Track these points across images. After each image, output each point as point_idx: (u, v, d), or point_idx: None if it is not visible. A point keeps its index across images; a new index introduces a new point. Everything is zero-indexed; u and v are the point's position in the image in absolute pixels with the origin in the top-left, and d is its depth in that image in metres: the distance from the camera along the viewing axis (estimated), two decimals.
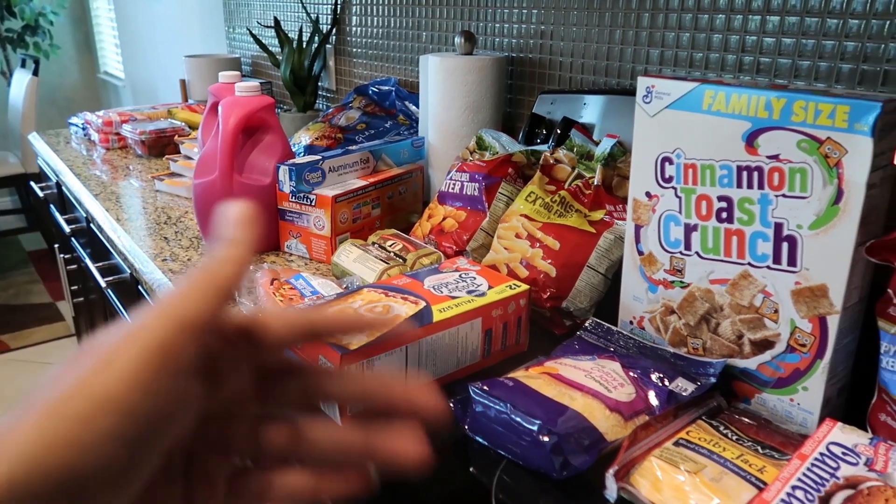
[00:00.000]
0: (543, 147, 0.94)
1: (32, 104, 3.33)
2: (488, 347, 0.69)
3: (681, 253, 0.64)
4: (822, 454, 0.48)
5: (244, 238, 0.26)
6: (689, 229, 0.62)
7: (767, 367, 0.60)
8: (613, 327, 0.69)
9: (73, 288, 1.82)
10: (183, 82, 2.13)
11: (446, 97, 1.08)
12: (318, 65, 1.64)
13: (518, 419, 0.54)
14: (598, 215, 0.78)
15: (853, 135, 0.50)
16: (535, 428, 0.52)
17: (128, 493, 0.21)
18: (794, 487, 0.45)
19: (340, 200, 0.95)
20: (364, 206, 1.00)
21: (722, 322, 0.62)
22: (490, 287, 0.70)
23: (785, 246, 0.56)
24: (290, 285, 0.80)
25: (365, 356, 0.59)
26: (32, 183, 1.96)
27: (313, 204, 0.95)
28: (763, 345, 0.60)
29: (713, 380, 0.60)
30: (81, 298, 1.82)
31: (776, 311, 0.58)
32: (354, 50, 1.62)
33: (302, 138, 1.32)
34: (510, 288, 0.70)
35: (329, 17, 1.66)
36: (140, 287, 1.08)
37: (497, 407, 0.55)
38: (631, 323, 0.70)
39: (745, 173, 0.57)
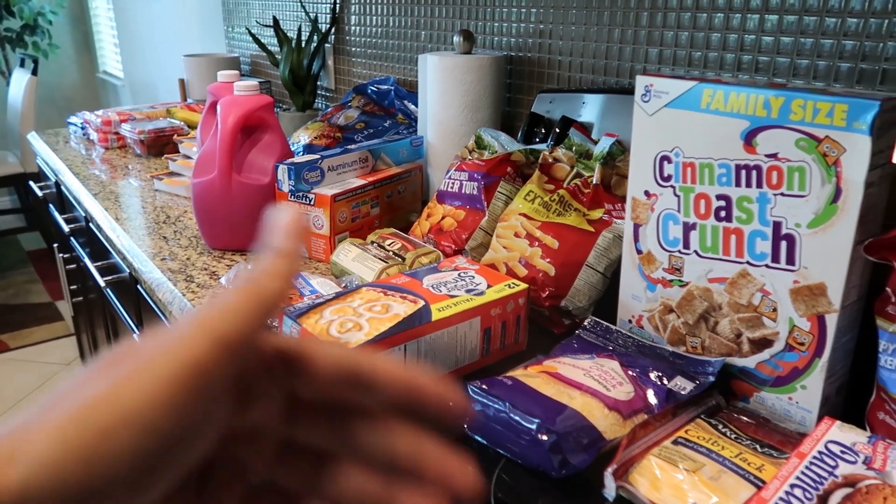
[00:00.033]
0: (542, 146, 0.94)
1: (31, 104, 3.33)
2: (487, 346, 0.69)
3: (679, 252, 0.64)
4: (820, 452, 0.48)
5: (292, 250, 0.24)
6: (687, 228, 0.62)
7: (766, 366, 0.60)
8: (612, 326, 0.69)
9: (72, 287, 1.82)
10: (182, 82, 2.13)
11: (445, 96, 1.08)
12: (317, 64, 1.64)
13: (517, 418, 0.54)
14: (596, 214, 0.78)
15: (851, 133, 0.50)
16: (533, 427, 0.52)
17: None
18: (792, 486, 0.45)
19: (339, 199, 0.95)
20: (363, 205, 1.00)
21: (720, 321, 0.62)
22: (489, 286, 0.70)
23: (783, 244, 0.56)
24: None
25: None
26: (31, 182, 1.95)
27: (312, 203, 0.95)
28: (762, 343, 0.60)
29: (712, 378, 0.60)
30: (80, 298, 1.82)
31: (775, 310, 0.58)
32: (353, 49, 1.62)
33: (301, 137, 1.32)
34: (509, 287, 0.70)
35: (328, 16, 1.66)
36: (139, 286, 1.08)
37: (496, 406, 0.55)
38: (630, 322, 0.70)
39: (743, 172, 0.57)
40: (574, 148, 0.84)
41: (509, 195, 0.87)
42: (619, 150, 0.81)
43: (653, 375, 0.59)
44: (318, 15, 1.70)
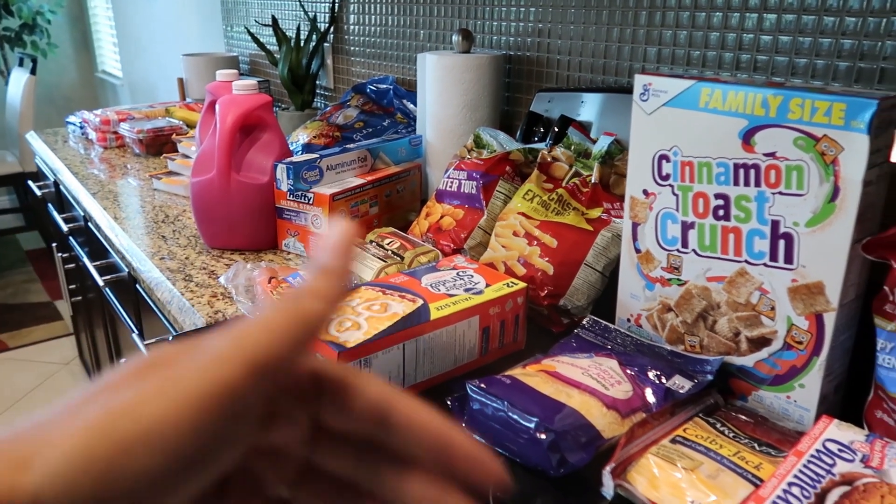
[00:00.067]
0: (541, 145, 0.94)
1: (30, 103, 3.33)
2: (486, 345, 0.69)
3: (678, 250, 0.64)
4: (818, 451, 0.48)
5: (342, 270, 0.23)
6: (686, 227, 0.62)
7: (764, 365, 0.60)
8: (611, 325, 0.70)
9: (70, 287, 1.82)
10: (181, 81, 2.13)
11: (444, 95, 1.08)
12: (316, 63, 1.64)
13: (515, 417, 0.54)
14: (595, 213, 0.78)
15: (849, 132, 0.51)
16: (532, 425, 0.52)
17: None
18: (790, 484, 0.45)
19: (338, 199, 0.95)
20: (362, 204, 1.00)
21: (719, 319, 0.62)
22: (487, 285, 0.70)
23: (782, 243, 0.56)
24: (288, 284, 0.80)
25: (362, 354, 0.59)
26: (30, 182, 1.95)
27: (311, 202, 0.95)
28: (760, 342, 0.60)
29: (710, 377, 0.60)
30: (79, 297, 1.82)
31: (773, 309, 0.58)
32: (352, 48, 1.62)
33: (300, 137, 1.32)
34: (508, 286, 0.70)
35: (327, 15, 1.66)
36: (138, 286, 1.08)
37: (494, 405, 0.56)
38: (628, 321, 0.70)
39: (741, 171, 0.57)
40: (573, 147, 0.84)
41: (508, 194, 0.88)
42: (618, 149, 0.81)
43: (651, 374, 0.59)
44: (317, 14, 1.70)
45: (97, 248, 1.34)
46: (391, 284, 0.69)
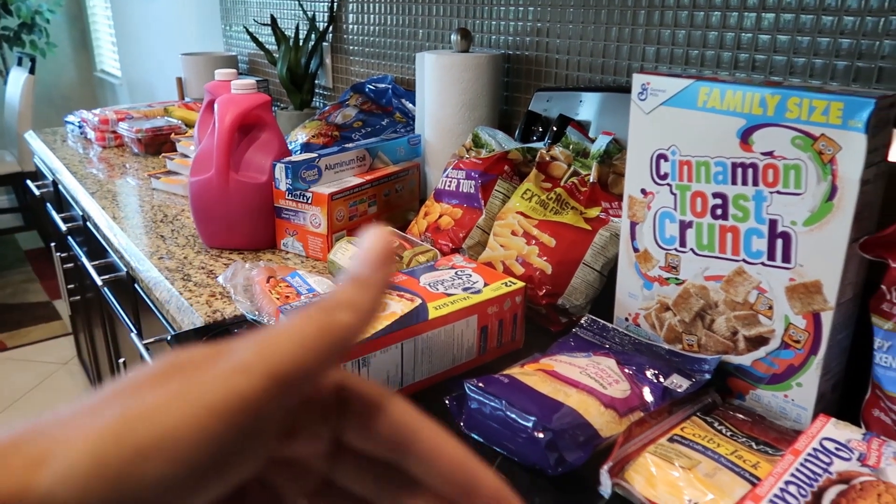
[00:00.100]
0: (539, 144, 0.94)
1: (29, 102, 3.32)
2: (484, 344, 0.69)
3: (676, 250, 0.64)
4: (815, 450, 0.48)
5: (378, 280, 0.21)
6: (684, 226, 0.62)
7: (762, 364, 0.60)
8: (609, 324, 0.70)
9: (69, 286, 1.82)
10: (179, 80, 2.13)
11: (443, 95, 1.08)
12: (315, 62, 1.64)
13: (513, 416, 0.54)
14: (593, 212, 0.78)
15: (847, 131, 0.51)
16: (530, 424, 0.52)
17: None
18: (787, 483, 0.45)
19: (337, 198, 0.95)
20: (360, 203, 1.00)
21: (717, 318, 0.62)
22: (486, 284, 0.70)
23: (779, 242, 0.56)
24: (287, 283, 0.80)
25: (360, 353, 0.59)
26: (29, 181, 1.95)
27: (309, 202, 0.95)
28: (757, 341, 0.60)
29: (708, 376, 0.60)
30: (78, 297, 1.82)
31: (770, 308, 0.58)
32: (351, 48, 1.62)
33: (298, 136, 1.32)
34: (506, 285, 0.70)
35: (326, 14, 1.66)
36: (136, 285, 1.08)
37: (492, 404, 0.56)
38: (626, 320, 0.70)
39: (739, 170, 0.57)
40: (571, 146, 0.84)
41: (506, 193, 0.88)
42: (616, 149, 0.81)
43: (649, 373, 0.60)
44: (316, 13, 1.70)
45: (96, 248, 1.34)
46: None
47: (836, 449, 0.48)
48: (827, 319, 0.55)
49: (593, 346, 0.66)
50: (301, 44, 1.59)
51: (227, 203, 0.97)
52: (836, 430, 0.50)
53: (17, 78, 3.38)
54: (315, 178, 0.97)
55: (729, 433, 0.54)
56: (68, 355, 2.62)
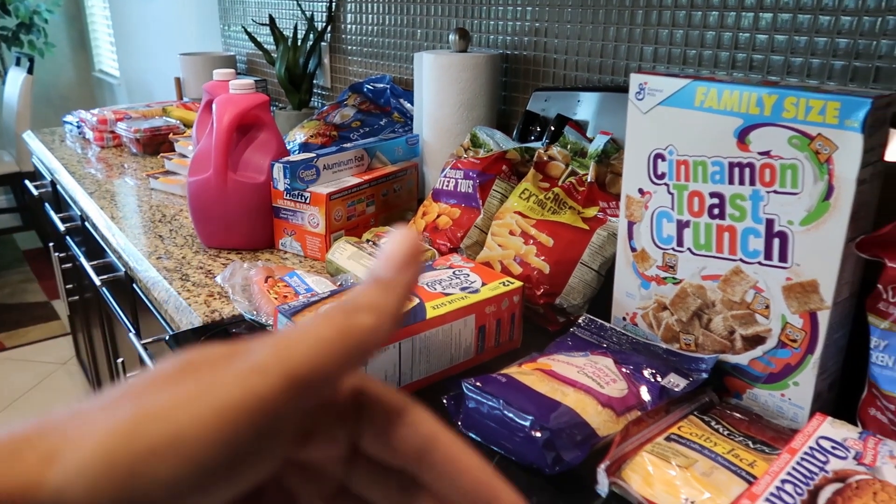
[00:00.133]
0: (537, 144, 0.94)
1: (27, 102, 3.32)
2: (482, 344, 0.69)
3: (673, 249, 0.64)
4: (811, 448, 0.48)
5: (403, 283, 0.21)
6: (681, 226, 0.63)
7: (759, 363, 0.60)
8: (606, 324, 0.70)
9: (68, 286, 1.82)
10: (178, 80, 2.13)
11: (441, 94, 1.08)
12: (313, 62, 1.64)
13: (511, 415, 0.54)
14: (591, 212, 0.78)
15: (844, 131, 0.51)
16: (527, 423, 0.53)
17: None
18: (783, 481, 0.45)
19: (335, 198, 0.95)
20: (358, 203, 1.00)
21: (714, 318, 0.62)
22: (484, 284, 0.70)
23: (776, 242, 0.56)
24: (285, 283, 0.80)
25: None
26: (27, 181, 1.95)
27: (308, 202, 0.95)
28: (754, 340, 0.60)
29: (705, 375, 0.60)
30: (76, 297, 1.81)
31: (767, 307, 0.58)
32: (349, 47, 1.62)
33: (297, 136, 1.32)
34: (504, 285, 0.70)
35: (324, 14, 1.66)
36: (135, 285, 1.08)
37: (490, 403, 0.56)
38: (624, 319, 0.70)
39: (736, 170, 0.57)
40: (569, 146, 0.84)
41: (504, 193, 0.88)
42: (614, 148, 0.81)
43: (646, 372, 0.60)
44: (315, 13, 1.70)
45: (94, 248, 1.34)
46: None
47: (833, 448, 0.48)
48: (823, 319, 0.55)
49: (591, 346, 0.67)
50: (299, 44, 1.59)
51: (225, 203, 0.97)
52: (833, 428, 0.50)
53: (16, 78, 3.38)
54: (313, 177, 0.97)
55: (726, 432, 0.54)
56: (67, 355, 2.62)
